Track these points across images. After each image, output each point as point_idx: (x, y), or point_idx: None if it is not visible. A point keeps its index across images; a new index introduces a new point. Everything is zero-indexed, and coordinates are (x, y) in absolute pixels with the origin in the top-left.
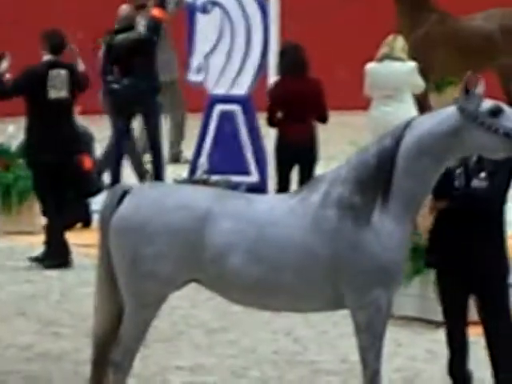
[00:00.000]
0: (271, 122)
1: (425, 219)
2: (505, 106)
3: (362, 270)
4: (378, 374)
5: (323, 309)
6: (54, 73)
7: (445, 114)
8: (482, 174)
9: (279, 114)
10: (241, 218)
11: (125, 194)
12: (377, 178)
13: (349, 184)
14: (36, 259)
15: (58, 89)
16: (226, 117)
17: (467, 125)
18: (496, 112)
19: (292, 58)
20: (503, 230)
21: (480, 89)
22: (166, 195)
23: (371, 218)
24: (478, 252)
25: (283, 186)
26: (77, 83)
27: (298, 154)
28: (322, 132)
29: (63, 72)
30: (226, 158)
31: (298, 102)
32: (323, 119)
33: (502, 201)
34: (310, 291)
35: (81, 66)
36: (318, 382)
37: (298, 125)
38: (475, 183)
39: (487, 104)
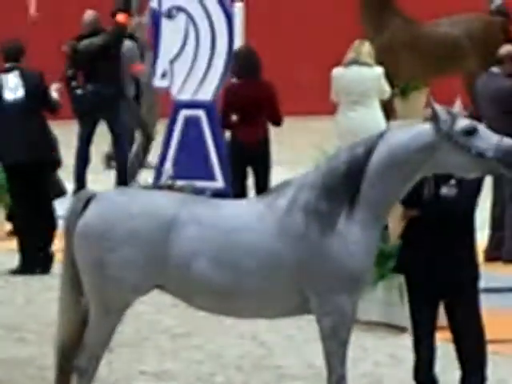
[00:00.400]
0: (225, 125)
1: (395, 226)
2: (480, 126)
3: (327, 276)
4: (344, 380)
5: (288, 314)
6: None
7: (420, 129)
8: (452, 181)
9: (234, 117)
10: (206, 224)
11: (90, 199)
12: (345, 185)
13: (316, 190)
14: (16, 271)
15: (12, 90)
16: (191, 122)
17: (441, 143)
18: (470, 132)
19: (245, 62)
20: (473, 236)
21: (456, 108)
22: (132, 201)
23: (337, 225)
24: (448, 258)
25: (238, 188)
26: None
27: (250, 157)
28: (288, 137)
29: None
30: (191, 163)
31: (250, 105)
32: (276, 122)
33: (472, 207)
34: (276, 297)
35: (54, 94)
36: None
37: (250, 127)
38: (444, 191)
39: (462, 123)
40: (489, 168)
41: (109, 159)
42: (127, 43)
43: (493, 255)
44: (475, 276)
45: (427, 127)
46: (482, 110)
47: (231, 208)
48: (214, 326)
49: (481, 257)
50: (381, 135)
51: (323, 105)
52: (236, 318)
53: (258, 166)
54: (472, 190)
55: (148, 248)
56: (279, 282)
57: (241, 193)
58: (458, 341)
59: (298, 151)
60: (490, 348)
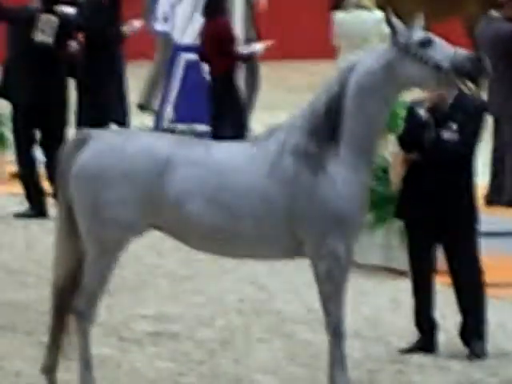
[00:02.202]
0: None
1: (397, 171)
2: (436, 38)
3: (317, 218)
4: (341, 323)
5: (282, 257)
6: (44, 17)
7: (381, 49)
8: (454, 126)
9: None
10: (201, 165)
11: (85, 140)
12: (328, 124)
13: (304, 131)
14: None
15: (45, 34)
16: (192, 66)
17: (399, 57)
18: (426, 43)
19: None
20: (472, 180)
21: (417, 22)
22: (127, 141)
23: (326, 165)
24: (447, 201)
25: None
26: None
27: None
28: (290, 80)
29: (54, 19)
30: (192, 106)
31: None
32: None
33: (471, 152)
34: (269, 238)
35: None
36: (285, 330)
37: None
38: (446, 135)
39: (419, 34)
40: (445, 79)
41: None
42: None
43: (493, 200)
44: (473, 218)
45: (388, 46)
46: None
47: (225, 150)
48: (214, 270)
49: (481, 201)
50: (351, 67)
51: (324, 48)
52: (236, 261)
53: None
54: (472, 134)
55: (143, 187)
56: (271, 223)
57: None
58: (456, 283)
59: (301, 95)
60: (489, 292)
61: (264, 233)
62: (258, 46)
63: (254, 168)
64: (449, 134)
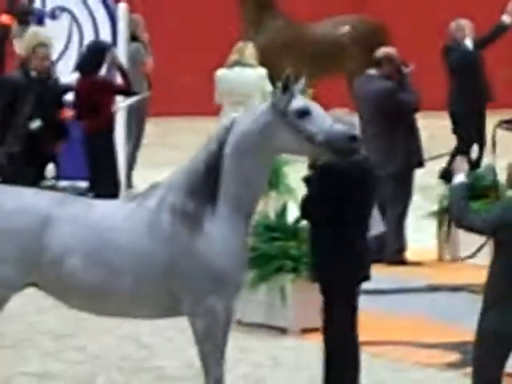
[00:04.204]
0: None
1: None
2: (316, 108)
3: (195, 276)
4: (221, 380)
5: (162, 315)
6: None
7: (260, 110)
8: None
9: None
10: (80, 223)
11: None
12: (206, 183)
13: (182, 190)
14: None
15: None
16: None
17: (276, 123)
18: (303, 113)
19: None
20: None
21: (298, 87)
22: (5, 198)
23: (203, 224)
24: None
25: None
26: None
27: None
28: (173, 137)
29: None
30: (73, 163)
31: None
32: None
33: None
34: (147, 297)
35: None
36: None
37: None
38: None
39: (298, 103)
40: (317, 152)
41: None
42: (133, 44)
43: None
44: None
45: (267, 107)
46: (359, 112)
47: (104, 207)
48: (96, 327)
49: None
50: (230, 125)
51: (208, 106)
52: (118, 319)
53: None
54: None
55: (21, 244)
56: (149, 282)
57: None
58: None
59: (183, 151)
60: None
61: (143, 291)
62: (130, 100)
63: (133, 225)
64: None
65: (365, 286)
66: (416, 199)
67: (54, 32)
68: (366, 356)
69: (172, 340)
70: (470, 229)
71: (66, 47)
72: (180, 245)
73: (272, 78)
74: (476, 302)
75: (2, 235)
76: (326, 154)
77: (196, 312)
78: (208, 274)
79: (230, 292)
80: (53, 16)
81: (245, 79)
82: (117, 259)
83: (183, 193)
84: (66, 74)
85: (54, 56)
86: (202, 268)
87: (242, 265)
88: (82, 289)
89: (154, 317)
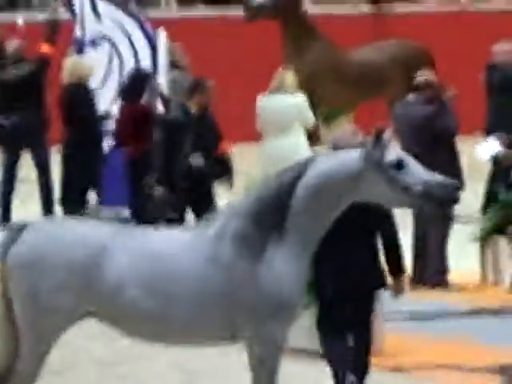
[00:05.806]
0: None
1: None
2: (410, 160)
3: (256, 304)
4: None
5: (218, 343)
6: None
7: (348, 157)
8: None
9: None
10: (137, 253)
11: (21, 229)
12: (274, 212)
13: (245, 217)
14: None
15: None
16: (115, 150)
17: (369, 172)
18: (399, 165)
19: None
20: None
21: (387, 138)
22: (64, 230)
23: (266, 253)
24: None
25: None
26: None
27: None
28: None
29: None
30: (118, 190)
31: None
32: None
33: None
34: (206, 325)
35: None
36: None
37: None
38: None
39: (393, 155)
40: (415, 203)
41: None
42: (176, 73)
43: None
44: None
45: (355, 155)
46: (399, 136)
47: (161, 236)
48: (140, 355)
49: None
50: (309, 161)
51: (251, 132)
52: (164, 345)
53: None
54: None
55: (81, 275)
56: (209, 310)
57: None
58: None
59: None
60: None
61: (200, 318)
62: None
63: (192, 253)
64: None
65: (411, 310)
66: (457, 223)
67: (94, 61)
68: (415, 382)
69: (216, 366)
70: None
71: (106, 76)
72: (240, 273)
73: (313, 103)
74: None
75: (60, 267)
76: (425, 205)
77: (256, 338)
78: (270, 302)
79: (290, 320)
80: (93, 44)
81: (285, 106)
82: (175, 288)
83: (247, 220)
84: (107, 103)
85: (95, 84)
86: (265, 296)
87: (301, 293)
88: (142, 317)
89: (211, 344)
